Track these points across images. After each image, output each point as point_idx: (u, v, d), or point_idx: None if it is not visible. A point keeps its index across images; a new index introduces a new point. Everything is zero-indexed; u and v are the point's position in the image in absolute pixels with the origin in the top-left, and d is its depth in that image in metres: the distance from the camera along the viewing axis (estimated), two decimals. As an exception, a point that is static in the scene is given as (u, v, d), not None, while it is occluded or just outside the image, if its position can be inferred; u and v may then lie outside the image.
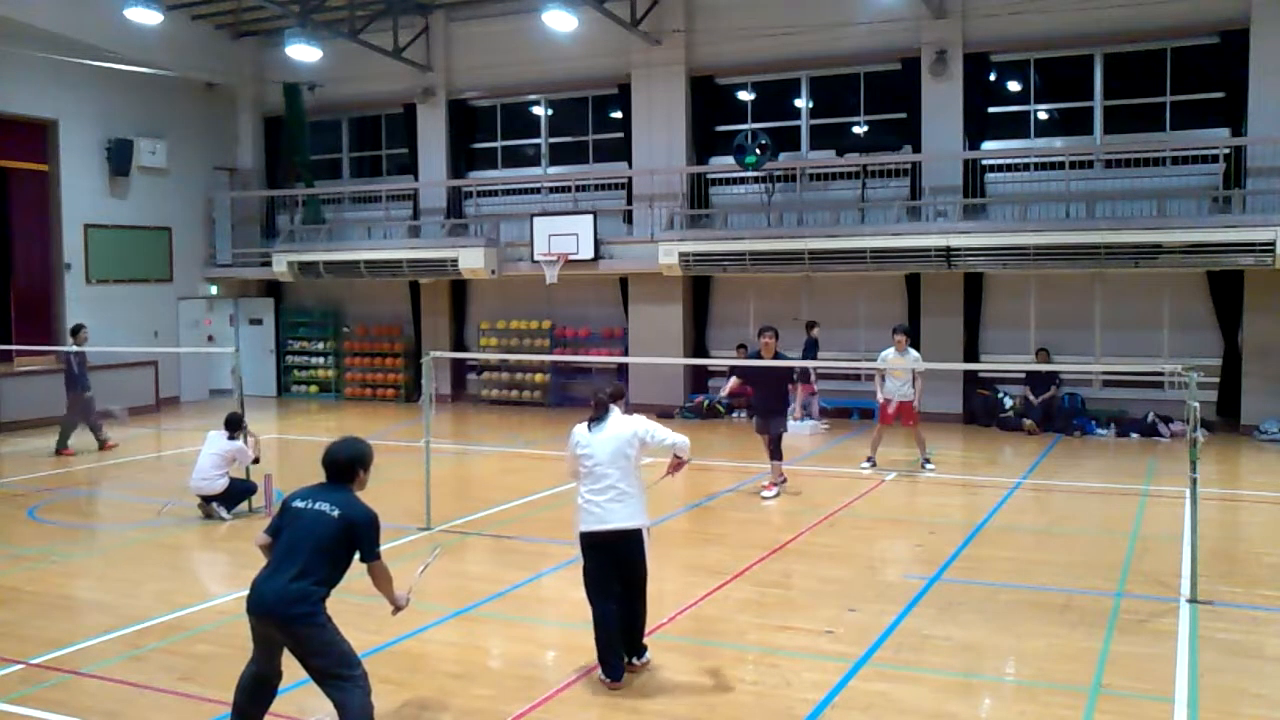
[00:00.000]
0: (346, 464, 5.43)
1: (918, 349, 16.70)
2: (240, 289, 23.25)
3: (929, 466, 13.29)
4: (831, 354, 18.54)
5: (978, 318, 17.83)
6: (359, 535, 5.26)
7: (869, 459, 13.49)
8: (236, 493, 11.10)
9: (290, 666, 5.35)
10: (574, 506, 6.48)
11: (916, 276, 17.85)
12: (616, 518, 6.24)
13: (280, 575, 5.10)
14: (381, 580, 5.50)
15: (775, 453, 11.94)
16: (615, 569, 6.30)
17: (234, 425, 11.15)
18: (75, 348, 15.78)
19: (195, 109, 22.38)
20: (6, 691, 6.29)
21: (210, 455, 10.97)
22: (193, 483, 11.01)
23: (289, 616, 5.04)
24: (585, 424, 6.49)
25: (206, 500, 10.95)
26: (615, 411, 6.52)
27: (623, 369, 19.59)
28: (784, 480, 12.13)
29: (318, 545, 5.16)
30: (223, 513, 10.97)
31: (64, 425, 15.70)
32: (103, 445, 15.82)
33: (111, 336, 19.72)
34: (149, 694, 6.24)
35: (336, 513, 5.24)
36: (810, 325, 17.42)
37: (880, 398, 13.66)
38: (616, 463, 6.29)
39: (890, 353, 13.51)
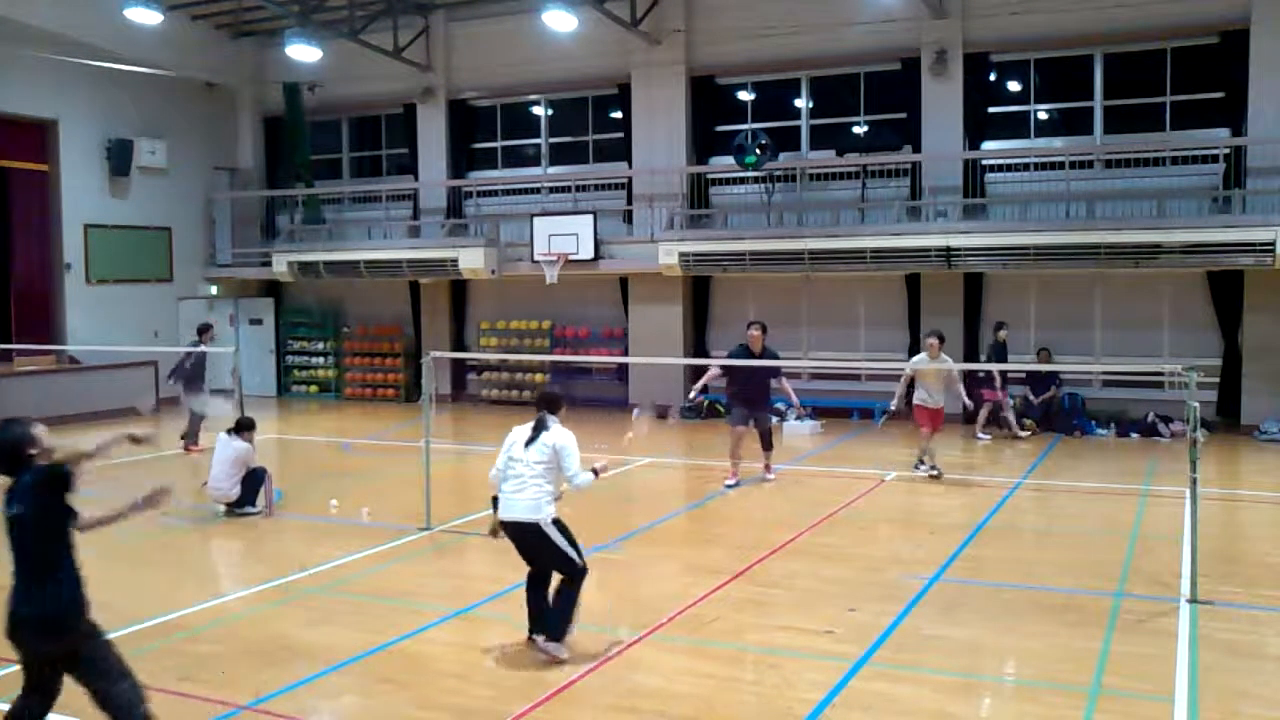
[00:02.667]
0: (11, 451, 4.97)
1: (906, 347, 16.74)
2: (240, 289, 23.25)
3: (922, 469, 12.84)
4: (832, 354, 18.55)
5: (978, 318, 17.82)
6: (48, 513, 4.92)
7: (932, 466, 12.75)
8: (252, 488, 11.12)
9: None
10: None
11: (916, 276, 17.85)
12: (518, 510, 6.60)
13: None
14: (98, 518, 5.27)
15: (767, 444, 12.71)
16: (524, 555, 6.76)
17: (244, 428, 11.19)
18: (199, 348, 15.80)
19: (195, 109, 22.38)
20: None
21: (221, 463, 10.97)
22: (210, 491, 11.05)
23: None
24: (525, 429, 6.78)
25: (228, 507, 10.99)
26: (554, 424, 6.77)
27: (623, 369, 19.60)
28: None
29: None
30: (250, 509, 11.02)
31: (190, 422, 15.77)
32: (186, 449, 15.76)
33: (111, 336, 19.75)
34: (149, 694, 6.23)
35: (17, 510, 4.90)
36: (998, 327, 16.20)
37: (894, 403, 12.89)
38: (532, 466, 6.65)
39: (923, 358, 12.84)
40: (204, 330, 16.10)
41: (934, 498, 12.01)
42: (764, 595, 8.16)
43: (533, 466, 6.62)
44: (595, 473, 6.76)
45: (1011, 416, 16.10)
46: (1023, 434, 16.00)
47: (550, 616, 6.64)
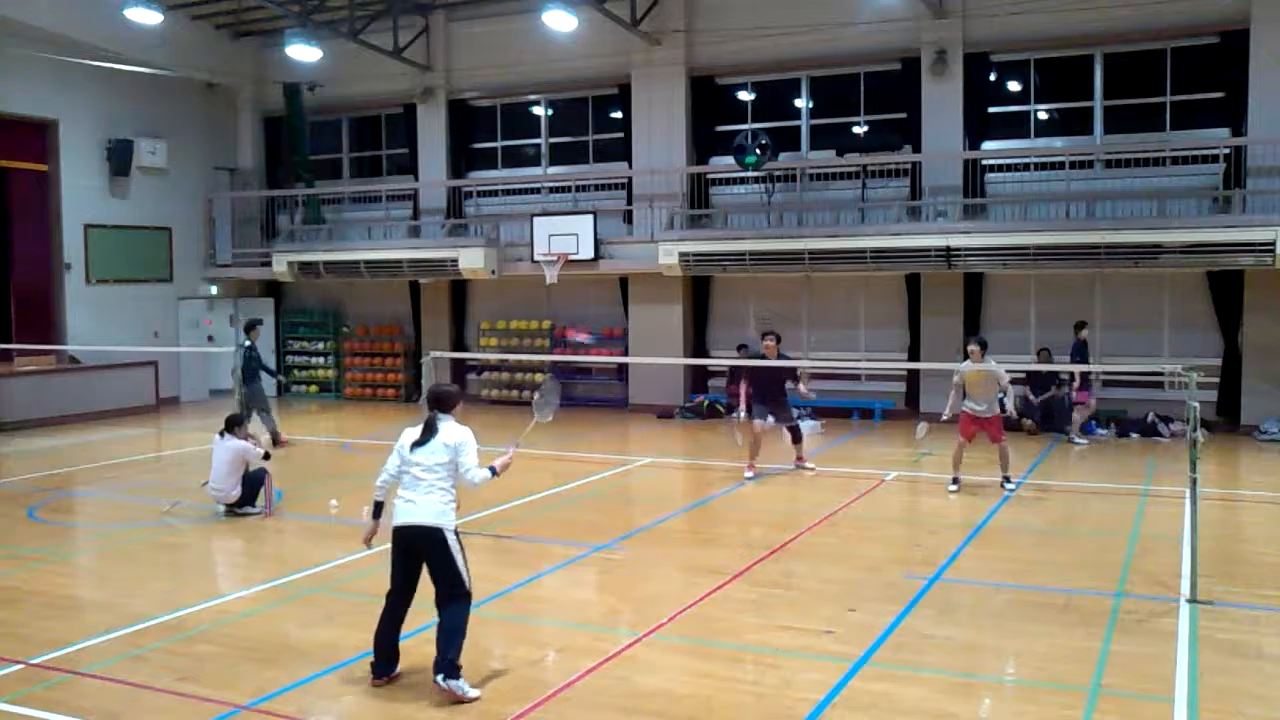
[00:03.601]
0: None
1: (907, 347, 16.69)
2: (240, 289, 23.24)
3: (1010, 485, 12.02)
4: (831, 354, 18.55)
5: (978, 318, 17.82)
6: None
7: (954, 480, 12.11)
8: (252, 489, 11.10)
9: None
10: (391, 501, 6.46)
11: (916, 276, 17.85)
12: (420, 515, 6.20)
13: None
14: None
15: (797, 438, 13.48)
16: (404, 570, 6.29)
17: (233, 425, 11.17)
18: (247, 342, 16.03)
19: (195, 109, 22.39)
20: (6, 691, 6.29)
21: (220, 464, 10.96)
22: (211, 492, 11.02)
23: None
24: (416, 430, 6.42)
25: (228, 508, 10.98)
26: (448, 422, 6.42)
27: (623, 369, 19.60)
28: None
29: None
30: (250, 509, 11.01)
31: (267, 420, 15.80)
32: (276, 442, 15.52)
33: (111, 336, 19.75)
34: (149, 694, 6.23)
35: None
36: (1079, 326, 15.76)
37: (947, 413, 12.24)
38: (434, 469, 6.27)
39: (967, 366, 12.06)
40: (252, 326, 16.43)
41: (934, 498, 12.01)
42: (764, 595, 8.15)
43: (433, 470, 6.24)
44: (494, 470, 6.43)
45: (1086, 415, 15.86)
46: (1080, 441, 15.55)
47: (442, 651, 6.06)
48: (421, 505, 6.21)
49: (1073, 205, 16.86)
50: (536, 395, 8.07)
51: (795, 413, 16.25)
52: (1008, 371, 12.11)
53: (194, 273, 22.45)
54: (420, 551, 6.24)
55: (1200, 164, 16.22)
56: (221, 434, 11.14)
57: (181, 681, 6.39)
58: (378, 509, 6.50)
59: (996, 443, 12.05)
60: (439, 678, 6.05)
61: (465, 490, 6.39)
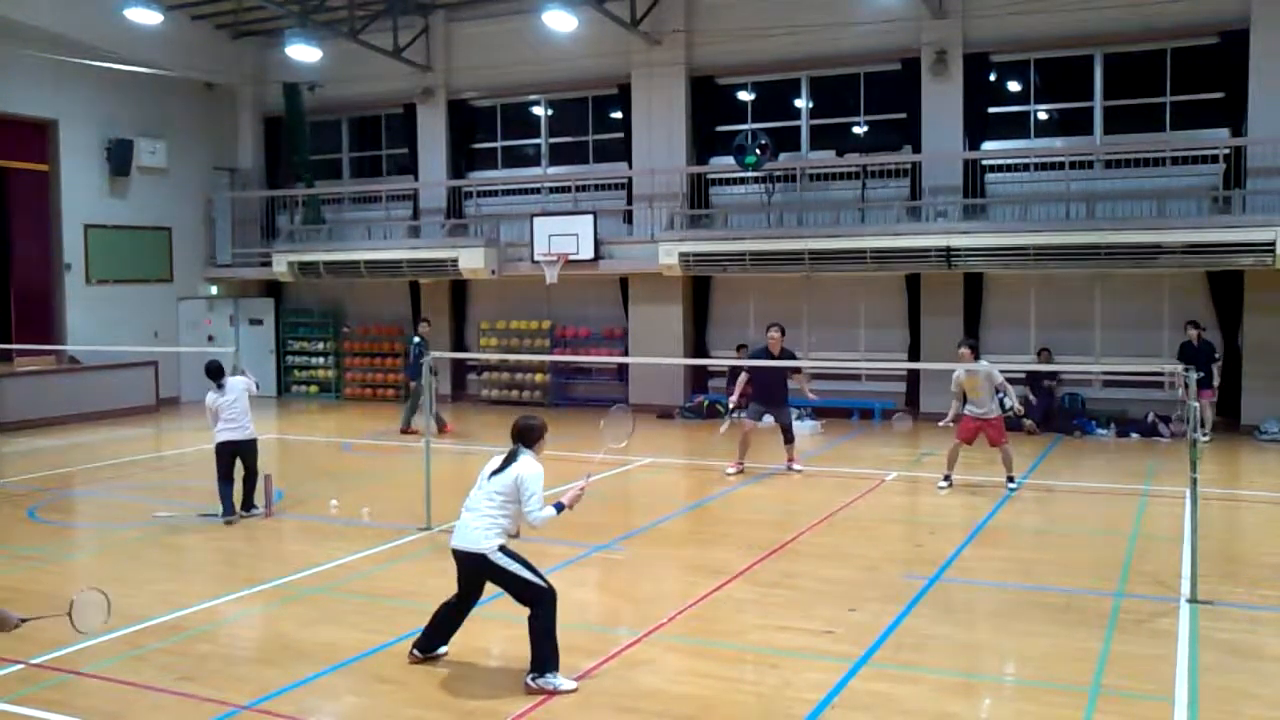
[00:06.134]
0: None
1: (907, 347, 16.69)
2: (240, 289, 23.25)
3: (1012, 485, 12.02)
4: (831, 354, 18.56)
5: (978, 318, 17.82)
6: None
7: (946, 477, 12.23)
8: (253, 488, 11.06)
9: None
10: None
11: (916, 276, 17.85)
12: (464, 539, 6.37)
13: None
14: None
15: (789, 438, 13.37)
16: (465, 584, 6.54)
17: (217, 373, 10.95)
18: (417, 338, 17.29)
19: (195, 109, 22.38)
20: (6, 691, 6.29)
21: (234, 406, 10.84)
22: (234, 434, 10.82)
23: None
24: (498, 460, 6.51)
25: (227, 512, 10.85)
26: (526, 457, 6.47)
27: (623, 369, 19.59)
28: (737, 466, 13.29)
29: None
30: (251, 510, 10.98)
31: (408, 407, 17.08)
32: (442, 429, 16.46)
33: (112, 336, 19.74)
34: (149, 694, 6.23)
35: None
36: (1190, 325, 15.66)
37: (948, 420, 12.25)
38: (491, 497, 6.38)
39: (961, 371, 11.94)
40: (422, 321, 17.74)
41: (934, 498, 12.01)
42: (764, 595, 8.15)
43: (492, 497, 6.34)
44: (559, 508, 6.40)
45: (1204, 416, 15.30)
46: (1205, 438, 14.86)
47: (536, 651, 6.17)
48: (467, 529, 6.38)
49: (1073, 205, 16.86)
50: (602, 423, 7.99)
51: (795, 413, 16.28)
52: (1007, 371, 12.11)
53: (194, 273, 22.45)
54: (473, 572, 6.42)
55: (1200, 164, 16.22)
56: (219, 386, 10.89)
57: (181, 681, 6.39)
58: None
59: (996, 445, 12.01)
60: (528, 678, 6.18)
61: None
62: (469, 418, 19.64)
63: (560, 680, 6.15)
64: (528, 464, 6.41)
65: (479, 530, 6.31)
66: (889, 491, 12.40)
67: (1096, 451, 15.15)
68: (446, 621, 6.61)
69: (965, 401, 12.09)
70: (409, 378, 17.61)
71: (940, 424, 12.41)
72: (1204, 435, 15.15)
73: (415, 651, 6.61)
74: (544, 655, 6.16)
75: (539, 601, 6.26)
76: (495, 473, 6.44)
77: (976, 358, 12.19)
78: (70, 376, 19.42)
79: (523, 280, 20.29)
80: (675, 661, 6.72)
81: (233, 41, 22.48)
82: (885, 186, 18.00)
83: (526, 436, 6.56)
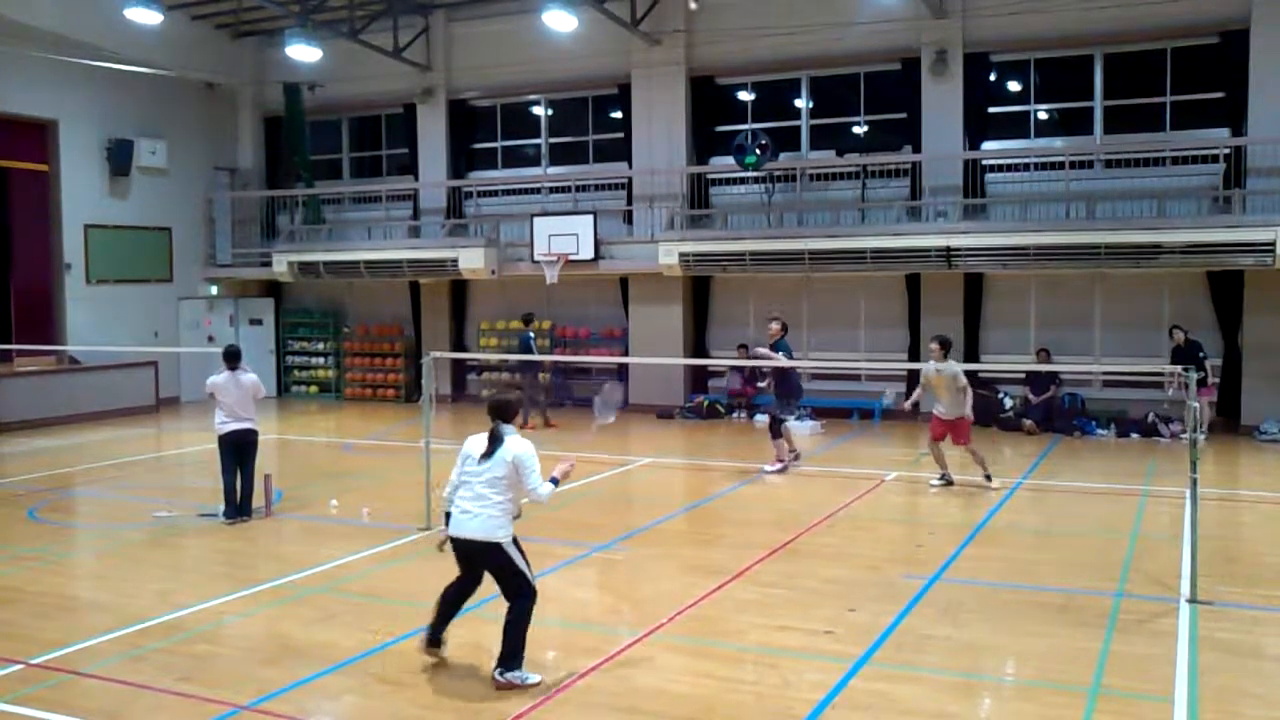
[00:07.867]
0: None
1: (907, 347, 16.61)
2: (240, 289, 23.24)
3: (993, 483, 12.08)
4: (831, 354, 18.56)
5: (978, 318, 17.83)
6: None
7: (941, 476, 12.29)
8: (252, 488, 11.06)
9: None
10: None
11: (916, 276, 17.85)
12: (477, 529, 6.33)
13: None
14: None
15: (775, 433, 13.24)
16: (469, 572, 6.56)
17: (233, 357, 10.91)
18: (530, 333, 17.90)
19: (195, 109, 22.38)
20: (6, 691, 6.29)
21: (238, 394, 10.76)
22: (236, 425, 10.77)
23: None
24: (481, 440, 6.49)
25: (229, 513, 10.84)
26: (511, 435, 6.47)
27: (623, 369, 19.59)
28: (790, 458, 13.37)
29: None
30: (264, 512, 10.97)
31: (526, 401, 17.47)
32: (546, 424, 17.26)
33: (111, 336, 19.75)
34: (149, 694, 6.23)
35: None
36: (1175, 329, 15.69)
37: (906, 403, 12.68)
38: (494, 484, 6.37)
39: (931, 367, 12.06)
40: (529, 320, 18.19)
41: (934, 498, 12.01)
42: (764, 595, 8.15)
43: (495, 483, 6.33)
44: (555, 481, 6.45)
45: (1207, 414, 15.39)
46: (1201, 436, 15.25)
47: (508, 645, 6.25)
48: (478, 519, 6.33)
49: (1073, 205, 16.86)
50: (597, 398, 7.99)
51: (798, 412, 16.32)
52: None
53: (194, 273, 22.45)
54: (479, 562, 6.43)
55: (1200, 164, 16.22)
56: (233, 368, 10.82)
57: (181, 681, 6.39)
58: (448, 518, 6.54)
59: (959, 445, 12.13)
60: (496, 671, 6.25)
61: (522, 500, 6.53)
62: (469, 418, 19.64)
63: (528, 674, 6.25)
64: (518, 442, 6.45)
65: (495, 521, 6.32)
66: (889, 491, 12.40)
67: (1096, 451, 15.15)
68: (453, 606, 6.66)
69: (936, 401, 12.21)
70: (533, 375, 18.23)
71: (904, 405, 12.88)
72: (1201, 434, 15.22)
73: (429, 645, 6.62)
74: (516, 649, 6.26)
75: (525, 596, 6.35)
76: (485, 456, 6.42)
77: (945, 355, 12.13)
78: (70, 376, 19.42)
79: (523, 280, 20.29)
80: (675, 661, 6.72)
81: (233, 41, 22.49)
82: (885, 186, 18.00)
83: (505, 412, 6.57)
